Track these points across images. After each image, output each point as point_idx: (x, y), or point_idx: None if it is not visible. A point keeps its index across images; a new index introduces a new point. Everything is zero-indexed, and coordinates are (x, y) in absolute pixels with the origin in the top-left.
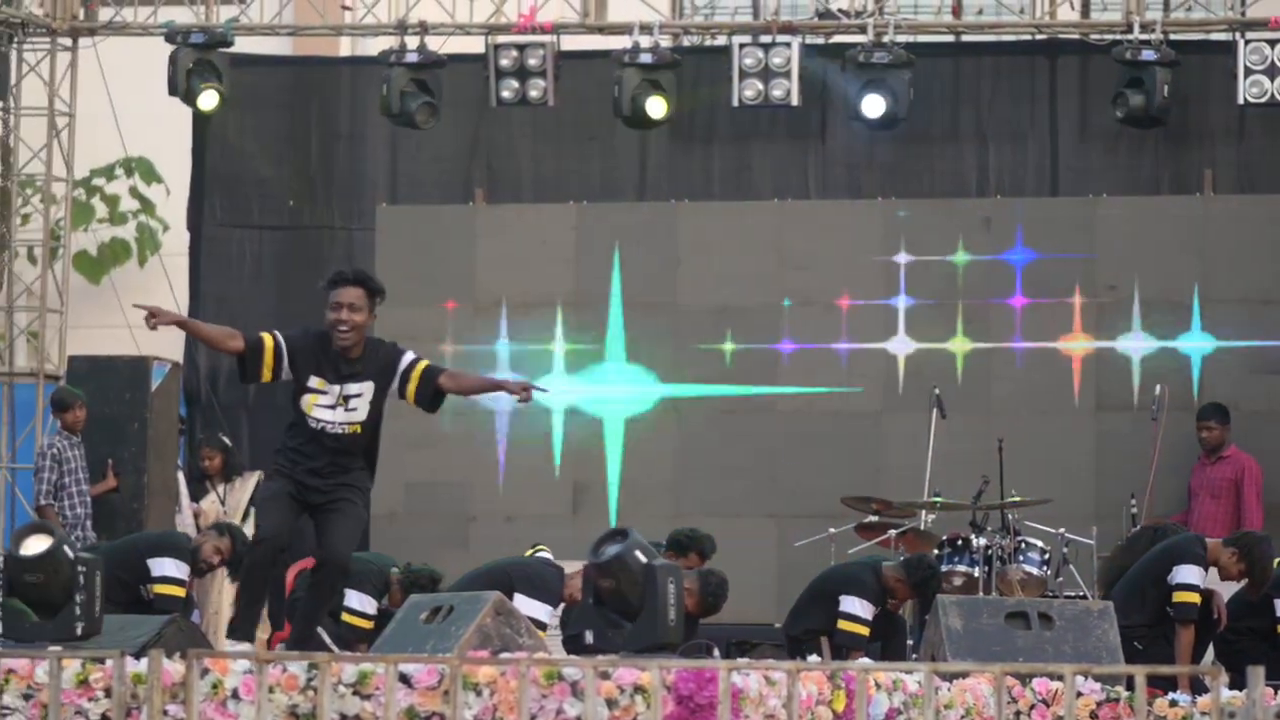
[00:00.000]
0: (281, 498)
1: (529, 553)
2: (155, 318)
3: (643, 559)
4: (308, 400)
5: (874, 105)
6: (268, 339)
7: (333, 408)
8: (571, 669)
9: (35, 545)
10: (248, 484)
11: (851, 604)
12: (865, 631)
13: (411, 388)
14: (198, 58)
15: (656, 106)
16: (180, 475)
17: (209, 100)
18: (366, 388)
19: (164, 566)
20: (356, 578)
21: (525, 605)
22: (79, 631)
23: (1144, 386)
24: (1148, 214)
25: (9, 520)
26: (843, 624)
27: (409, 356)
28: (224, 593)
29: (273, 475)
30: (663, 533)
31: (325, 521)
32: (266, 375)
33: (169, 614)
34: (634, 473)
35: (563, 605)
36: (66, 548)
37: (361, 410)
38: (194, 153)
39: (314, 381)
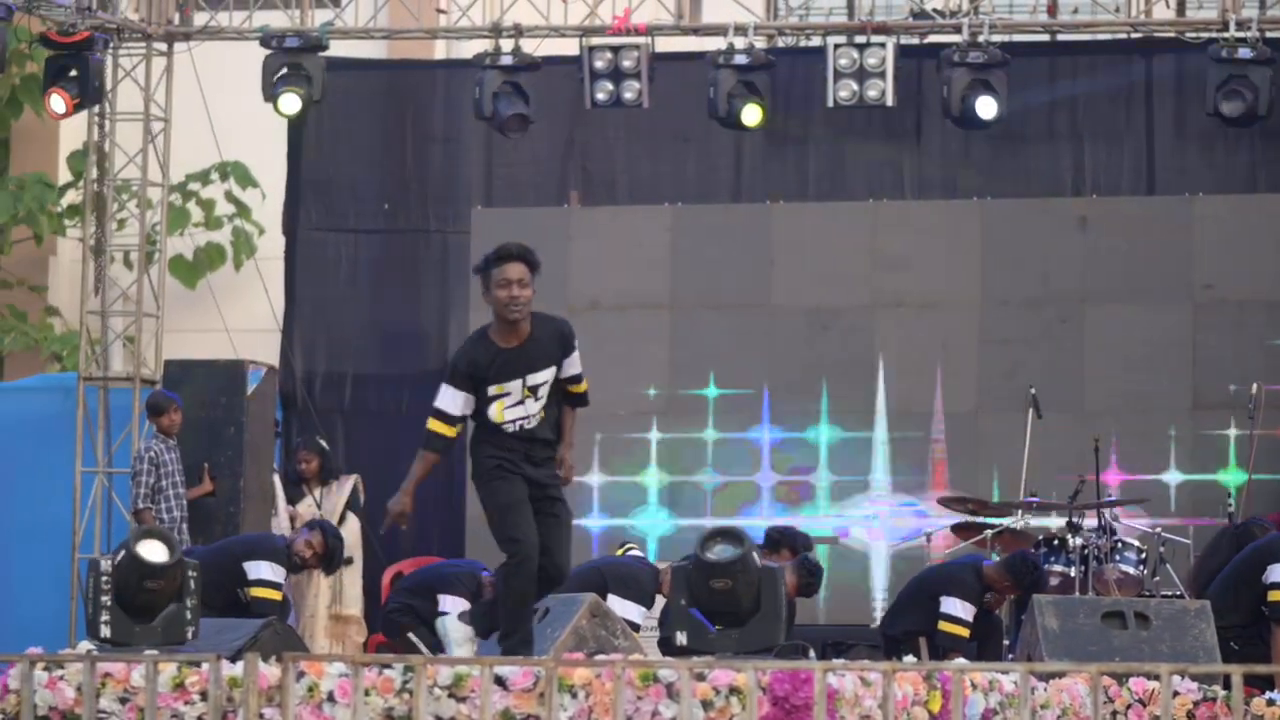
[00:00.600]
0: (524, 502)
1: (620, 552)
2: (402, 516)
3: (760, 561)
4: (495, 409)
5: (988, 106)
6: (438, 432)
7: (521, 402)
8: (667, 670)
9: (158, 552)
10: (344, 487)
11: (952, 605)
12: (966, 633)
13: (573, 390)
14: (290, 62)
15: (751, 114)
16: (276, 479)
17: (290, 104)
18: (549, 373)
19: (260, 569)
20: (448, 582)
21: (619, 606)
22: (190, 635)
23: (1241, 385)
24: (1245, 212)
25: (106, 524)
26: (943, 625)
27: (578, 365)
28: (320, 596)
29: (493, 476)
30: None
31: (545, 529)
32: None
33: (265, 617)
34: (730, 473)
35: (660, 606)
36: (181, 553)
37: (544, 392)
38: (289, 157)
39: (492, 389)
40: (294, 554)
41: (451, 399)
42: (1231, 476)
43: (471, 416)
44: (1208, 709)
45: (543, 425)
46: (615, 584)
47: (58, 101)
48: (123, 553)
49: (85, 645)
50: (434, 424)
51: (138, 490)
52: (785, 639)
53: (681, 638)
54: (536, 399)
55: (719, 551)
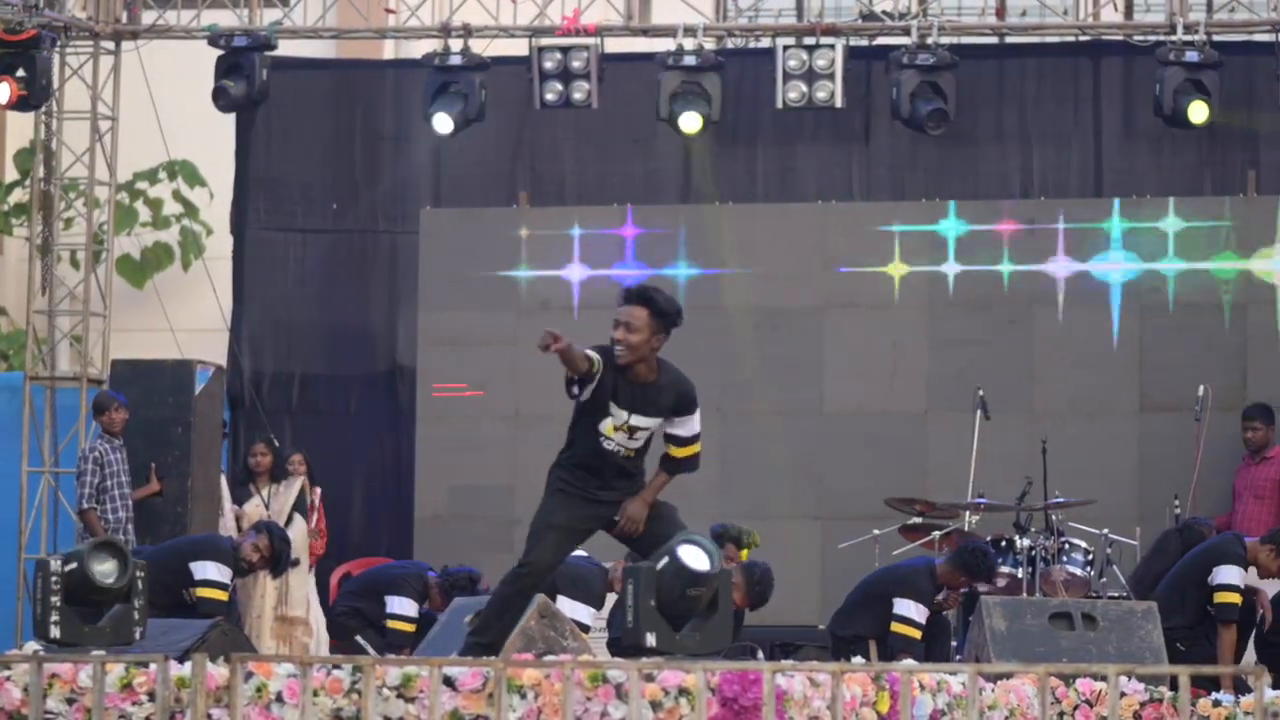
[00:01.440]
0: (562, 531)
1: None
2: (556, 341)
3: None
4: (607, 424)
5: (936, 123)
6: (595, 359)
7: (616, 431)
8: (616, 671)
9: (109, 573)
10: (292, 488)
11: (905, 606)
12: (918, 635)
13: (673, 452)
14: (239, 61)
15: (690, 121)
16: (223, 479)
17: (227, 99)
18: (654, 423)
19: (206, 570)
20: (395, 583)
21: (568, 607)
22: (138, 636)
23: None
24: (1190, 215)
25: (52, 524)
26: (896, 626)
27: (691, 428)
28: (266, 596)
29: (553, 494)
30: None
31: (656, 529)
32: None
33: (211, 618)
34: (679, 475)
35: (611, 606)
36: (135, 568)
37: (641, 439)
38: (237, 156)
39: (612, 406)
40: (241, 558)
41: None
42: None
43: (571, 426)
44: (1154, 709)
45: (628, 459)
46: (564, 585)
47: (3, 89)
48: (75, 565)
49: (32, 646)
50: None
51: (83, 490)
52: (734, 640)
53: (651, 639)
54: (631, 439)
55: (701, 561)
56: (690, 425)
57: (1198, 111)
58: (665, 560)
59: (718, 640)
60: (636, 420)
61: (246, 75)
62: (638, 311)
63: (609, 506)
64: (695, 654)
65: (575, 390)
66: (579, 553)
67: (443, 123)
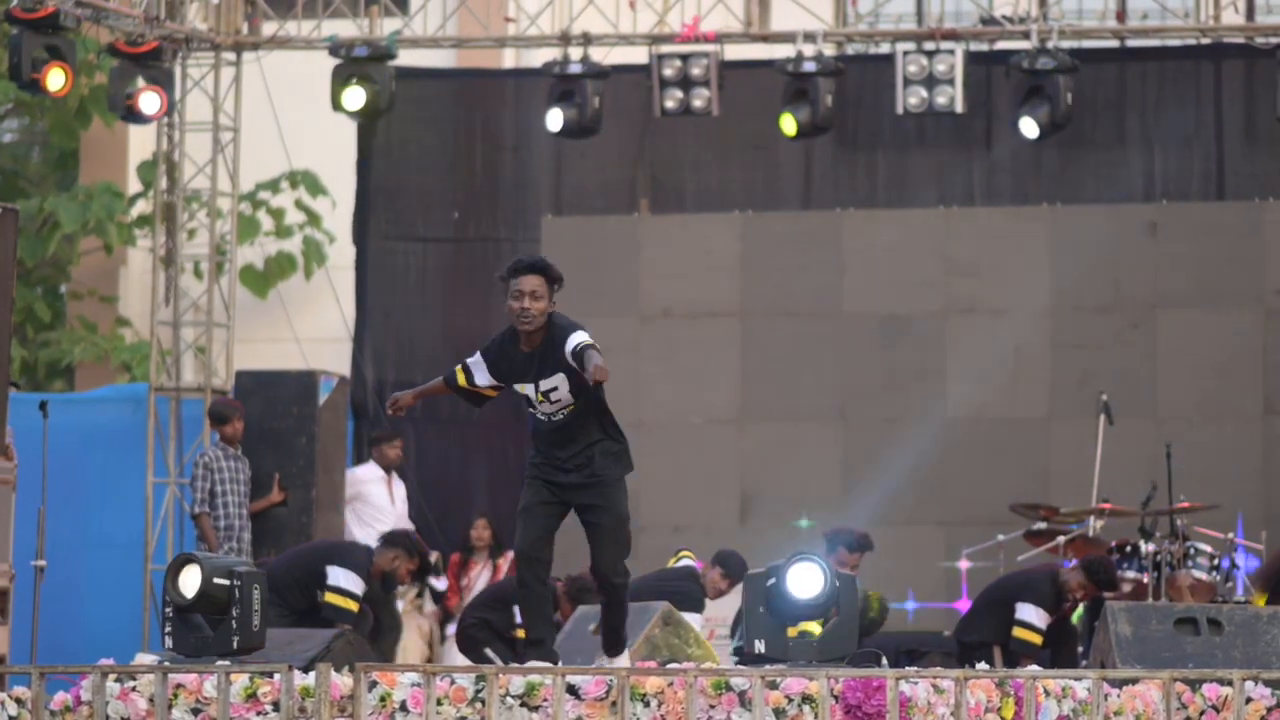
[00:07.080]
0: (530, 508)
1: (673, 560)
2: (398, 403)
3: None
4: (530, 394)
5: (1029, 127)
6: (457, 372)
7: (535, 405)
8: (739, 679)
9: (190, 584)
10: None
11: (1027, 611)
12: (1040, 640)
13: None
14: (360, 71)
15: (786, 124)
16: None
17: (355, 99)
18: (561, 379)
19: (339, 576)
20: None
21: None
22: (235, 645)
23: None
24: None
25: (178, 534)
26: (1018, 631)
27: (574, 340)
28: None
29: (524, 483)
30: None
31: (590, 535)
32: (483, 392)
33: (337, 624)
34: (802, 482)
35: (734, 614)
36: (217, 578)
37: (558, 396)
38: (358, 165)
39: (517, 387)
40: (387, 575)
41: (476, 359)
42: None
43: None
44: None
45: (568, 426)
46: (665, 596)
47: (151, 99)
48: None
49: (156, 656)
50: (458, 367)
51: (195, 495)
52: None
53: (760, 645)
54: (552, 402)
55: (804, 589)
56: (572, 344)
57: None
58: (773, 580)
59: (845, 644)
60: (545, 384)
61: (375, 86)
62: (535, 280)
63: (567, 490)
64: (813, 660)
65: (476, 393)
66: (687, 559)
67: (554, 119)
